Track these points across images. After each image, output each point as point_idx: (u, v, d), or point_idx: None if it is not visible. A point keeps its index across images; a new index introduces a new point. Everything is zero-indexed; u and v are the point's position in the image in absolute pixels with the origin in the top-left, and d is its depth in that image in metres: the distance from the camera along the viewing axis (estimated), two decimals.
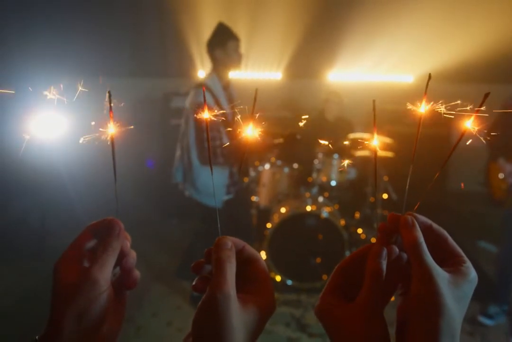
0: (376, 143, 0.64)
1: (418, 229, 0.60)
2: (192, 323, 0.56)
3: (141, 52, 6.25)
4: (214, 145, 3.11)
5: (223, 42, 3.26)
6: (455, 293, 0.56)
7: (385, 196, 4.42)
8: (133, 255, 0.68)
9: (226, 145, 3.14)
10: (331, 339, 0.61)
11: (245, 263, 0.65)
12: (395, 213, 0.63)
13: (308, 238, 3.90)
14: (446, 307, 0.54)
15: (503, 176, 3.41)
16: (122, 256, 0.66)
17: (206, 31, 5.82)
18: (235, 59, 3.29)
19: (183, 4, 5.76)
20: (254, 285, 0.63)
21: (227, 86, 3.37)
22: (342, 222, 4.02)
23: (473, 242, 4.83)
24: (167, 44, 6.21)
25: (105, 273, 0.60)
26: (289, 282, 3.92)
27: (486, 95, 0.59)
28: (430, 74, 0.63)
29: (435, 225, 0.63)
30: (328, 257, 3.86)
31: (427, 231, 0.62)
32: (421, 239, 0.59)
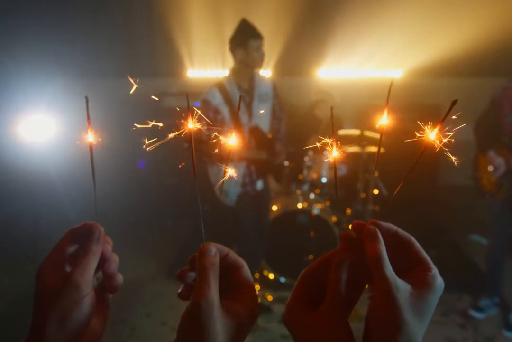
0: (335, 154, 0.63)
1: (380, 240, 0.59)
2: (177, 330, 0.57)
3: (131, 52, 6.22)
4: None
5: (244, 41, 3.13)
6: (417, 305, 0.55)
7: (376, 191, 4.44)
8: (115, 258, 0.68)
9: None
10: None
11: (229, 269, 0.65)
12: (359, 221, 0.63)
13: (300, 235, 3.91)
14: (405, 322, 0.53)
15: (493, 168, 3.43)
16: (104, 260, 0.66)
17: (195, 30, 5.85)
18: (257, 58, 3.17)
19: (171, 4, 5.74)
20: (238, 291, 0.64)
21: (244, 85, 3.28)
22: (334, 219, 4.04)
23: (465, 235, 4.86)
24: (157, 44, 6.19)
25: (87, 277, 0.61)
26: (283, 280, 3.93)
27: (453, 102, 0.57)
28: (392, 80, 0.61)
29: (400, 231, 0.62)
30: (320, 253, 3.82)
31: (392, 238, 0.61)
32: (383, 252, 0.58)
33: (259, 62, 3.22)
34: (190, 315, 0.56)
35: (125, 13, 6.06)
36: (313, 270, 0.65)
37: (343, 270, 0.60)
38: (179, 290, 0.63)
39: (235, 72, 3.26)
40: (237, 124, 2.92)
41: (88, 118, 0.63)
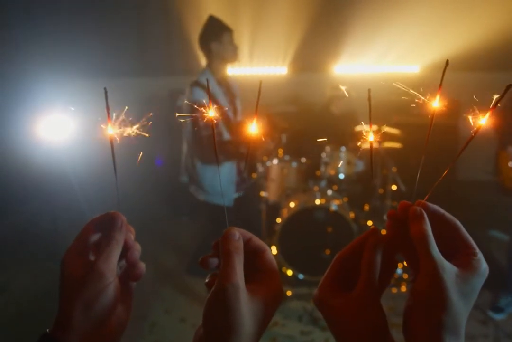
0: (372, 138, 0.63)
1: (427, 221, 0.59)
2: (203, 314, 0.57)
3: (147, 50, 6.25)
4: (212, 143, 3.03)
5: (218, 35, 3.16)
6: (462, 287, 0.55)
7: (394, 187, 4.40)
8: (137, 247, 0.69)
9: (226, 142, 3.06)
10: (330, 328, 0.62)
11: (253, 254, 0.65)
12: (407, 201, 0.63)
13: (318, 232, 3.90)
14: (451, 302, 0.54)
15: None
16: (126, 248, 0.67)
17: None
18: (232, 51, 3.21)
19: (187, 2, 5.75)
20: (262, 275, 0.64)
21: (223, 81, 3.28)
22: (352, 215, 4.02)
23: (485, 231, 4.81)
24: (172, 42, 6.20)
25: (110, 265, 0.62)
26: (301, 276, 3.93)
27: (508, 86, 0.55)
28: (447, 60, 0.59)
29: (447, 215, 0.62)
30: (338, 249, 3.82)
31: (439, 220, 0.61)
32: (429, 232, 0.58)
33: (234, 55, 3.25)
34: (216, 298, 0.57)
35: (142, 12, 6.08)
36: (347, 252, 0.66)
37: (377, 252, 0.61)
38: (206, 280, 0.64)
39: (211, 68, 3.24)
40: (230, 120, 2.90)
41: (108, 109, 0.63)
